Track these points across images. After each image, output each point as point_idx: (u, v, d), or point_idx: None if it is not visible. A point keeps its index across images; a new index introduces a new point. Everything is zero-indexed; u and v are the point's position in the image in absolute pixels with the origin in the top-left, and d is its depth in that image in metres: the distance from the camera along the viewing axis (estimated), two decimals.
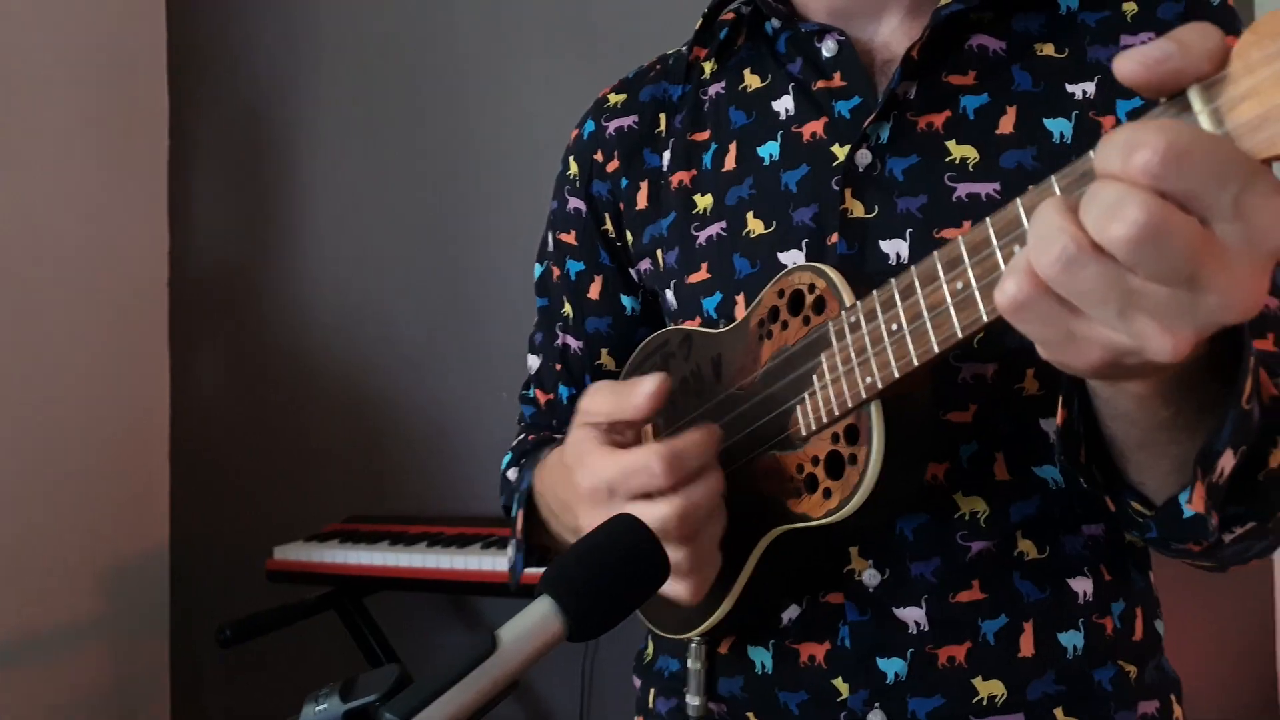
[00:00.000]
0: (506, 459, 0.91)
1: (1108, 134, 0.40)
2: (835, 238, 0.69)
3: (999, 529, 0.66)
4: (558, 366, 0.90)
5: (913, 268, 0.52)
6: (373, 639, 2.04)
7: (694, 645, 0.72)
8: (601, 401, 0.65)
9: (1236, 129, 0.38)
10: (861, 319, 0.56)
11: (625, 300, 0.86)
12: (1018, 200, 0.46)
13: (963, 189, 0.67)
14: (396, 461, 2.32)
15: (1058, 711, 0.66)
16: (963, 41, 0.70)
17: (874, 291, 0.55)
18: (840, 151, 0.70)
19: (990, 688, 0.65)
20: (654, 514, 0.58)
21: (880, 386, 0.55)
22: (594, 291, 0.87)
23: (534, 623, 0.48)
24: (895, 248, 0.68)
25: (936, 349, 0.51)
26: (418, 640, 2.21)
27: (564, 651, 2.05)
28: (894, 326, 0.54)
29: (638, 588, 0.51)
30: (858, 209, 0.69)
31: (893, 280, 0.54)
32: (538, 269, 0.92)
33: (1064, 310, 0.42)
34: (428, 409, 2.30)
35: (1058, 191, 0.44)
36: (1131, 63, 0.39)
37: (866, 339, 0.56)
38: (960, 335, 0.50)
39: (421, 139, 2.30)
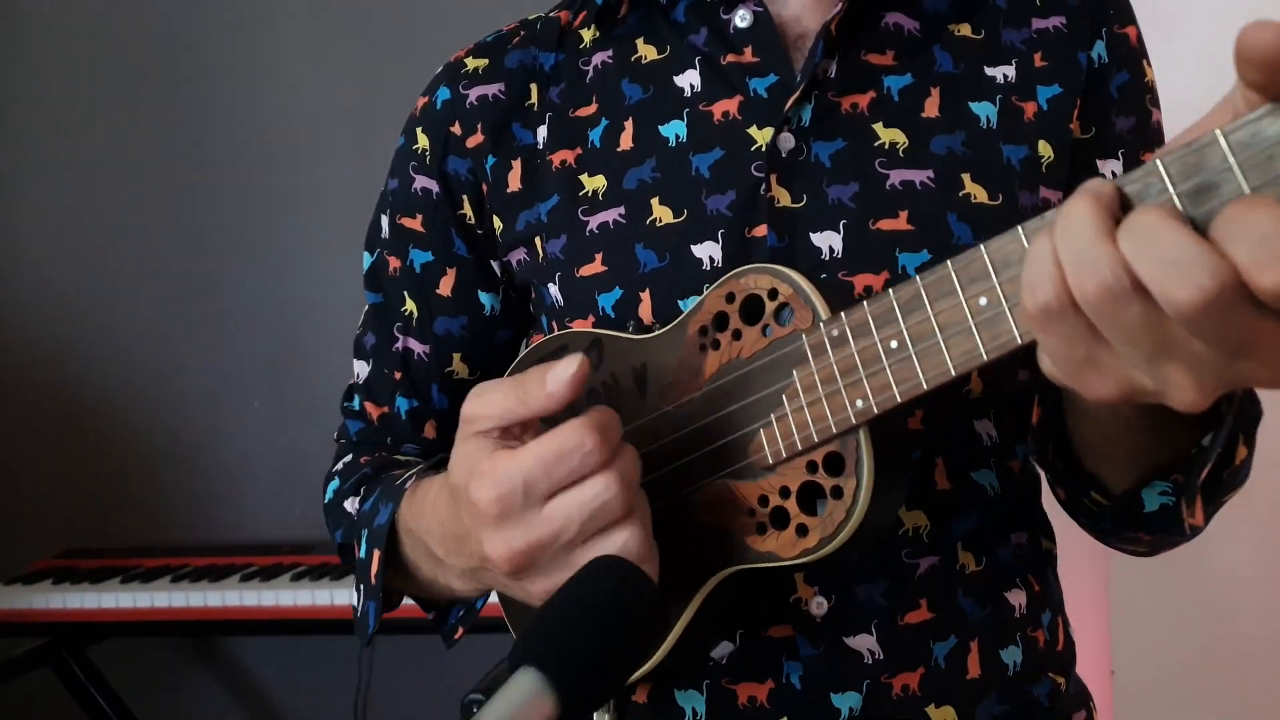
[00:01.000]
0: (334, 485, 0.77)
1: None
2: (764, 229, 0.62)
3: (941, 542, 0.62)
4: (397, 375, 0.77)
5: (917, 279, 0.46)
6: (100, 697, 1.76)
7: None
8: (495, 401, 0.53)
9: None
10: (848, 333, 0.49)
11: (484, 297, 0.75)
12: (1064, 206, 0.41)
13: (896, 176, 0.63)
14: (121, 485, 2.02)
15: None
16: (878, 18, 0.66)
17: (863, 304, 0.48)
18: (759, 134, 0.64)
19: (943, 714, 0.61)
20: (595, 496, 0.49)
21: (876, 411, 0.48)
22: (445, 287, 0.74)
23: (520, 702, 0.37)
24: (828, 241, 0.62)
25: (953, 371, 0.45)
26: (155, 695, 1.93)
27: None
28: (893, 344, 0.47)
29: (636, 643, 0.41)
30: (784, 198, 0.63)
31: (889, 292, 0.47)
32: (367, 259, 0.78)
33: (1091, 335, 0.38)
34: (162, 422, 2.01)
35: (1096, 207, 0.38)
36: (1269, 39, 0.34)
37: (857, 356, 0.48)
38: (986, 357, 0.44)
39: (156, 114, 2.01)
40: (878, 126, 0.64)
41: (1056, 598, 0.69)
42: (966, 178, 0.63)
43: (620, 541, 0.49)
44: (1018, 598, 0.64)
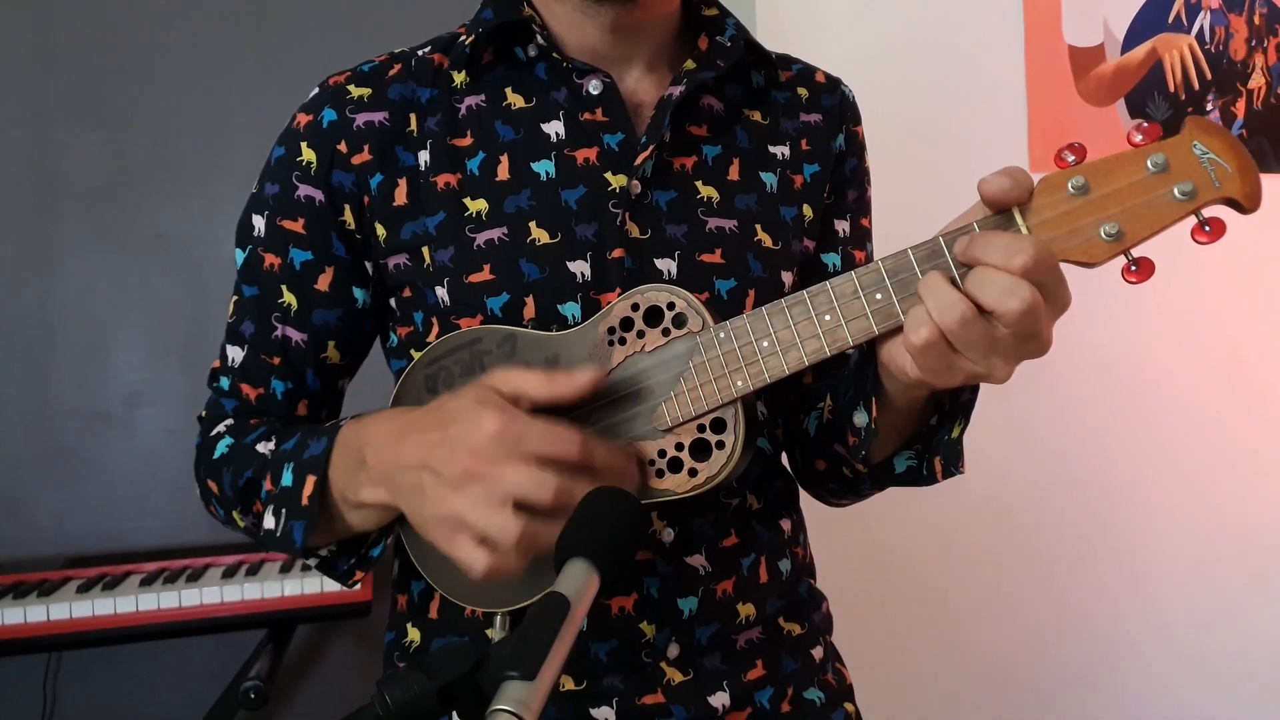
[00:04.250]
0: (227, 441, 0.84)
1: (977, 236, 0.63)
2: (620, 253, 0.80)
3: (740, 487, 0.85)
4: (275, 360, 0.86)
5: (781, 301, 0.69)
6: None
7: (500, 618, 0.77)
8: (525, 378, 0.69)
9: (1044, 240, 0.63)
10: (732, 335, 0.70)
11: (356, 292, 0.86)
12: (877, 263, 0.66)
13: (712, 222, 0.84)
14: None
15: (781, 619, 0.87)
16: (698, 99, 0.87)
17: (743, 316, 0.70)
18: (615, 179, 0.82)
19: (746, 609, 0.84)
20: (548, 485, 0.65)
21: (752, 389, 0.70)
22: (323, 283, 0.85)
23: (580, 579, 0.54)
24: (666, 265, 0.82)
25: (807, 362, 0.68)
26: None
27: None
28: (765, 344, 0.69)
29: (635, 539, 0.59)
30: (635, 230, 0.81)
31: (763, 309, 0.70)
32: (240, 254, 0.87)
33: (949, 350, 0.64)
34: None
35: (915, 262, 0.65)
36: (994, 187, 0.63)
37: (739, 351, 0.70)
38: (829, 353, 0.68)
39: None
40: (698, 183, 0.84)
41: (804, 525, 0.94)
42: (759, 228, 0.85)
43: (533, 528, 0.64)
44: (786, 524, 0.89)
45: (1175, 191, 0.61)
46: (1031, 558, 2.04)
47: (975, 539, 1.99)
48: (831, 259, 0.93)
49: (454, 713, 0.49)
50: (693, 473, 0.71)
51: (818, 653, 0.90)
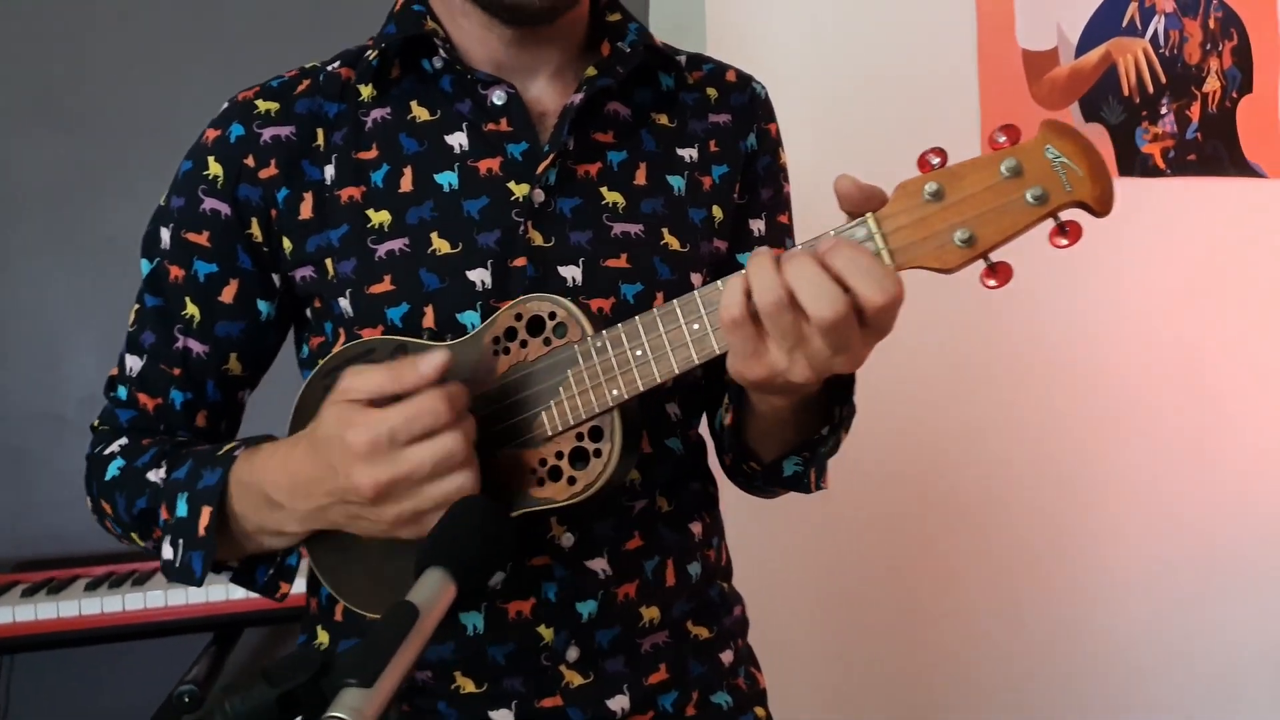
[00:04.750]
0: (118, 463, 0.85)
1: (835, 240, 0.63)
2: (523, 261, 0.81)
3: (647, 490, 0.85)
4: (176, 371, 0.87)
5: (654, 310, 0.69)
6: None
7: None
8: (373, 378, 0.69)
9: (896, 247, 0.63)
10: (608, 344, 0.71)
11: (261, 305, 0.87)
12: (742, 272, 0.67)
13: (617, 228, 0.85)
14: None
15: (689, 623, 0.88)
16: (602, 105, 0.88)
17: (619, 325, 0.71)
18: (517, 189, 0.83)
19: (650, 613, 0.85)
20: (444, 446, 0.67)
21: (626, 397, 0.70)
22: (227, 295, 0.86)
23: (434, 589, 0.55)
24: (571, 273, 0.83)
25: (677, 370, 0.69)
26: None
27: None
28: (639, 352, 0.70)
29: (496, 540, 0.60)
30: (538, 239, 0.82)
31: (636, 318, 0.70)
32: (145, 265, 0.88)
33: (758, 336, 0.64)
34: None
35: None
36: (852, 187, 0.63)
37: (614, 360, 0.70)
38: (697, 360, 0.69)
39: None
40: (603, 189, 0.85)
41: (721, 527, 0.95)
42: (666, 231, 0.86)
43: (461, 480, 0.67)
44: (697, 528, 0.89)
45: (1027, 196, 0.62)
46: (986, 562, 2.05)
47: (930, 544, 2.00)
48: (746, 258, 0.93)
49: None
50: (571, 480, 0.72)
51: (727, 657, 0.91)
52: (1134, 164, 2.13)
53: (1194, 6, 2.17)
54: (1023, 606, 2.06)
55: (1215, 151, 2.18)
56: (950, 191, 0.63)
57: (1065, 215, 0.63)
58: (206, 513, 0.76)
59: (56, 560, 1.76)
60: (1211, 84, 2.18)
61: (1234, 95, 2.21)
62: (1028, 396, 2.06)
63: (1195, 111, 2.17)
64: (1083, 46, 2.08)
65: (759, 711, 0.92)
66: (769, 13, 1.89)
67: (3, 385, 1.87)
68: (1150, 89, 2.14)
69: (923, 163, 0.64)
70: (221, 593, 1.54)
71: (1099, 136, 2.09)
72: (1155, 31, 2.14)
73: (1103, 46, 2.10)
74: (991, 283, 0.64)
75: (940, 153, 0.64)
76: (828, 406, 0.79)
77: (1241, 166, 2.20)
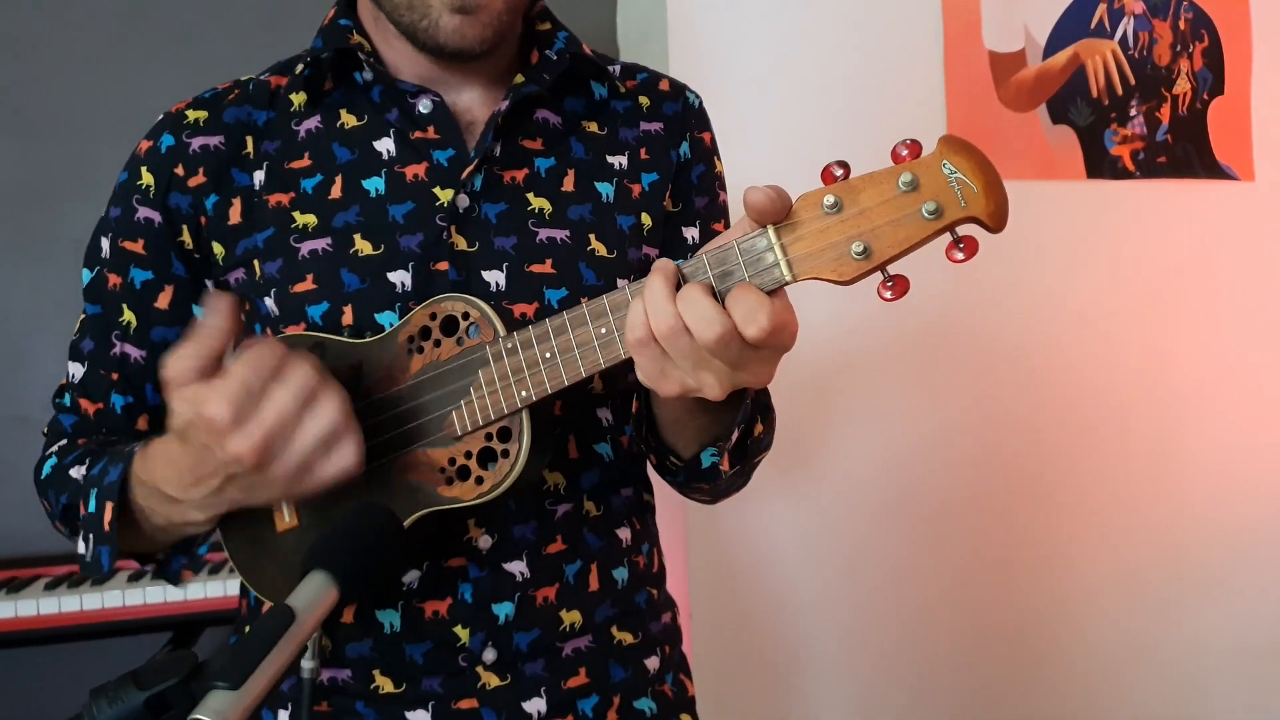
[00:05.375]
0: (52, 461, 0.87)
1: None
2: (445, 265, 0.82)
3: (573, 495, 0.86)
4: (114, 376, 0.88)
5: (564, 313, 0.70)
6: None
7: None
8: (181, 357, 0.67)
9: (794, 257, 0.64)
10: (518, 346, 0.71)
11: (196, 310, 0.88)
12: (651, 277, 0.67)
13: (543, 233, 0.86)
14: None
15: (613, 628, 0.88)
16: (531, 113, 0.89)
17: (529, 327, 0.71)
18: (442, 194, 0.84)
19: (572, 616, 0.85)
20: (298, 380, 0.66)
21: (534, 399, 0.71)
22: (163, 301, 0.87)
23: (316, 592, 0.55)
24: (494, 277, 0.84)
25: (584, 373, 0.70)
26: None
27: None
28: (548, 355, 0.70)
29: (383, 546, 0.61)
30: (462, 243, 0.83)
31: (546, 320, 0.71)
32: (86, 274, 0.89)
33: (664, 356, 0.65)
34: None
35: (682, 275, 0.66)
36: (760, 198, 0.63)
37: (523, 361, 0.71)
38: (603, 364, 0.69)
39: None
40: (530, 195, 0.86)
41: (653, 534, 0.95)
42: (593, 237, 0.87)
43: (328, 406, 0.66)
44: (625, 534, 0.90)
45: (923, 210, 0.62)
46: (948, 564, 2.05)
47: (890, 547, 2.01)
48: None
49: None
50: (479, 480, 0.73)
51: (652, 663, 0.91)
52: (1103, 166, 2.13)
53: (1164, 8, 2.18)
54: (984, 609, 2.07)
55: (1186, 154, 2.19)
56: (849, 204, 0.64)
57: (962, 230, 0.63)
58: (109, 508, 0.77)
59: (18, 560, 1.76)
60: (1182, 85, 2.19)
61: (1205, 97, 2.21)
62: (991, 399, 2.06)
63: (1165, 113, 2.17)
64: (1050, 48, 2.09)
65: (685, 718, 0.93)
66: (731, 13, 1.90)
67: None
68: (1119, 91, 2.14)
69: (826, 174, 0.65)
70: (179, 593, 1.55)
71: (1067, 139, 2.10)
72: (1125, 33, 2.15)
73: (1071, 48, 2.10)
74: (888, 295, 0.64)
75: (844, 165, 0.64)
76: (738, 396, 0.79)
77: (1212, 169, 2.21)
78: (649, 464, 0.92)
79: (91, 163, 1.93)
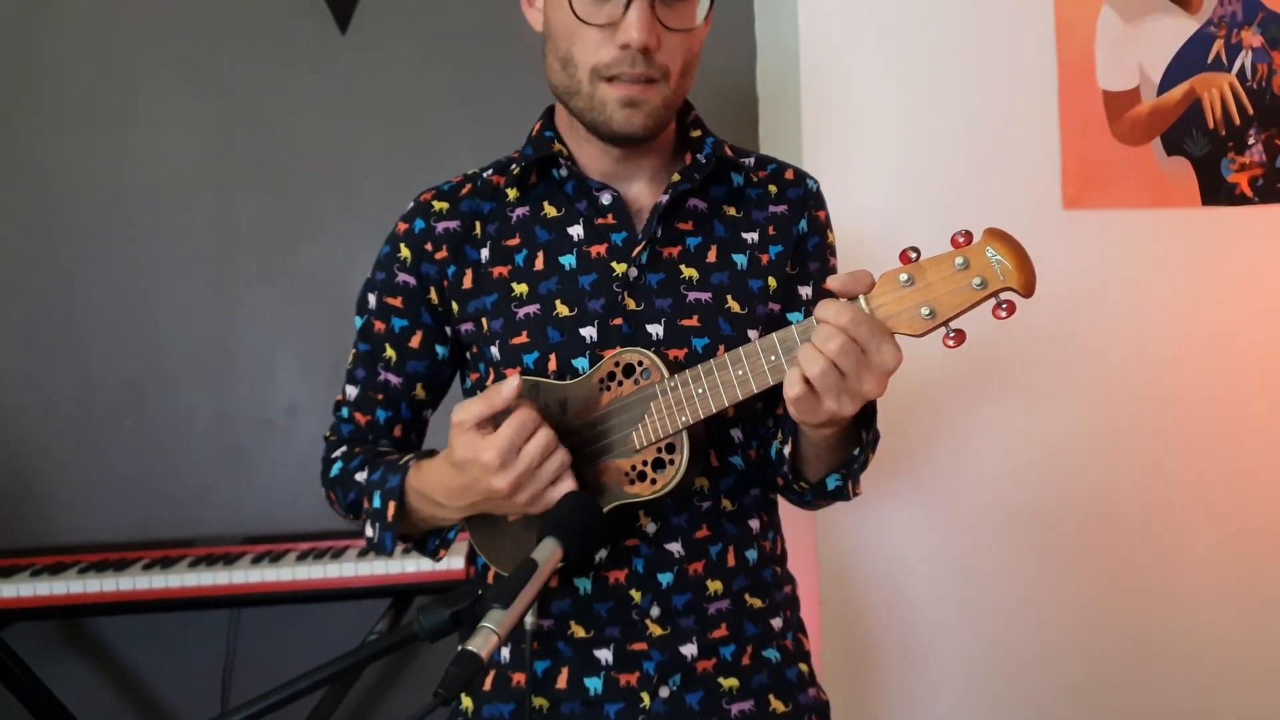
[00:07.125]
0: (339, 465, 1.18)
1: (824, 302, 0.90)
2: (619, 321, 1.11)
3: (713, 494, 1.13)
4: (379, 397, 1.21)
5: (712, 361, 0.98)
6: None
7: None
8: (473, 407, 0.96)
9: (880, 319, 0.90)
10: (678, 384, 0.99)
11: (439, 349, 1.20)
12: (773, 335, 0.94)
13: (691, 295, 1.13)
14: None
15: (746, 595, 1.15)
16: (684, 201, 1.17)
17: (686, 370, 0.99)
18: (618, 267, 1.12)
19: (715, 585, 1.13)
20: (542, 440, 0.97)
21: (691, 422, 0.99)
22: (415, 342, 1.19)
23: (548, 551, 0.85)
24: (655, 329, 1.11)
25: (726, 403, 0.97)
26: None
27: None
28: (700, 391, 0.98)
29: (591, 524, 0.90)
30: (631, 304, 1.12)
31: (699, 365, 0.99)
32: (359, 320, 1.22)
33: (815, 396, 0.92)
34: (34, 436, 2.26)
35: (796, 335, 0.93)
36: (840, 283, 0.89)
37: (682, 396, 0.99)
38: (740, 398, 0.96)
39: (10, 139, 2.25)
40: (682, 266, 1.14)
41: (777, 524, 1.22)
42: (729, 298, 1.13)
43: (559, 459, 0.98)
44: (754, 524, 1.17)
45: (973, 283, 0.87)
46: (1066, 572, 2.20)
47: (1011, 554, 2.18)
48: (796, 318, 1.20)
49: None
50: (653, 481, 1.01)
51: (777, 623, 1.18)
52: (1219, 193, 2.24)
53: None
54: (1104, 612, 2.21)
55: None
56: (919, 279, 0.89)
57: (1003, 296, 0.88)
58: (392, 506, 1.09)
59: (270, 537, 2.18)
60: None
61: None
62: (1113, 415, 2.21)
63: None
64: (1165, 85, 2.21)
65: (803, 667, 1.19)
66: (859, 67, 2.12)
67: (227, 396, 2.32)
68: (1237, 121, 2.25)
69: (903, 257, 0.90)
70: (398, 566, 1.91)
71: (1182, 169, 2.22)
72: (1242, 66, 2.25)
73: (1186, 82, 2.22)
74: (950, 343, 0.90)
75: (915, 250, 0.90)
76: (857, 433, 1.06)
77: None
78: (777, 485, 1.19)
79: (318, 212, 2.35)
